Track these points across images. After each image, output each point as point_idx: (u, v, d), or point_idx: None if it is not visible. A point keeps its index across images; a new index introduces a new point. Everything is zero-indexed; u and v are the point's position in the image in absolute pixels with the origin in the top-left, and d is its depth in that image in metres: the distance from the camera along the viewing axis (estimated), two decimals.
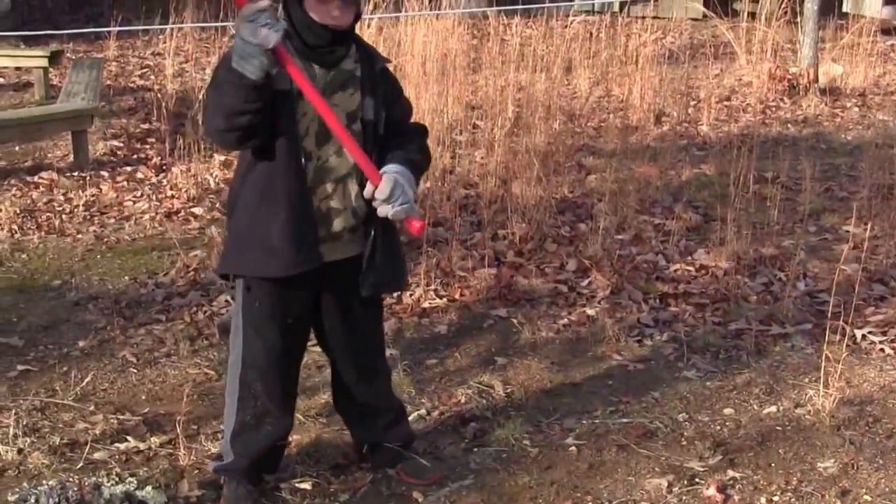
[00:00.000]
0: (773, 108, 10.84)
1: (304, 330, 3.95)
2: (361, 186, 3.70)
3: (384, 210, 3.60)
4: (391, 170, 3.63)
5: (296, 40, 3.59)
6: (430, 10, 10.41)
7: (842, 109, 10.94)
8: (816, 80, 11.37)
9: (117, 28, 11.89)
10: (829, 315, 5.30)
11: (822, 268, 6.31)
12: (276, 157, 3.61)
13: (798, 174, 8.11)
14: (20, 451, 4.29)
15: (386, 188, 3.56)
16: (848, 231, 6.78)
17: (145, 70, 12.06)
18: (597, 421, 4.66)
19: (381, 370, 4.19)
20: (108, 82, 10.94)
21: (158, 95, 9.72)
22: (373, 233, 3.79)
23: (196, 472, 4.17)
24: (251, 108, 3.44)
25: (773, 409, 4.79)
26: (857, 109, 10.96)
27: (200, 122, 3.59)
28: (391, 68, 3.92)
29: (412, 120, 3.97)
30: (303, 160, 3.64)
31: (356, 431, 4.29)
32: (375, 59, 3.79)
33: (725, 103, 10.89)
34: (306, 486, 4.09)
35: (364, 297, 3.84)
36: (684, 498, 4.07)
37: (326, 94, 3.61)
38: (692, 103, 10.73)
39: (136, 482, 3.89)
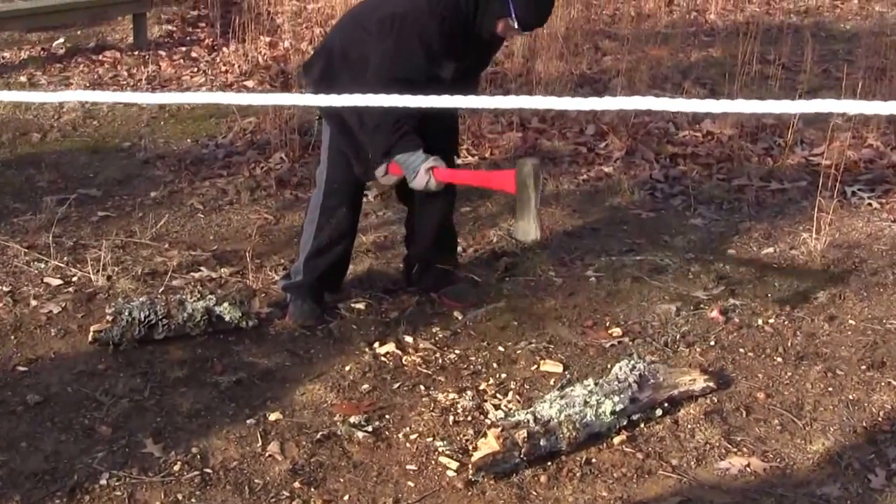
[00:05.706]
0: (777, 0, 10.93)
1: None
2: None
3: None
4: None
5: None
6: None
7: (842, 1, 10.96)
8: None
9: None
10: (822, 174, 5.54)
11: (818, 136, 6.50)
12: None
13: (798, 58, 8.27)
14: (108, 277, 4.61)
15: None
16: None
17: None
18: (613, 258, 4.95)
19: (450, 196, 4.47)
20: None
21: None
22: None
23: (264, 294, 4.49)
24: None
25: (771, 250, 5.07)
26: (856, 1, 10.97)
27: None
28: None
29: None
30: None
31: (413, 251, 4.57)
32: None
33: None
34: (361, 305, 4.41)
35: None
36: (691, 319, 4.36)
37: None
38: None
39: (214, 299, 4.20)
